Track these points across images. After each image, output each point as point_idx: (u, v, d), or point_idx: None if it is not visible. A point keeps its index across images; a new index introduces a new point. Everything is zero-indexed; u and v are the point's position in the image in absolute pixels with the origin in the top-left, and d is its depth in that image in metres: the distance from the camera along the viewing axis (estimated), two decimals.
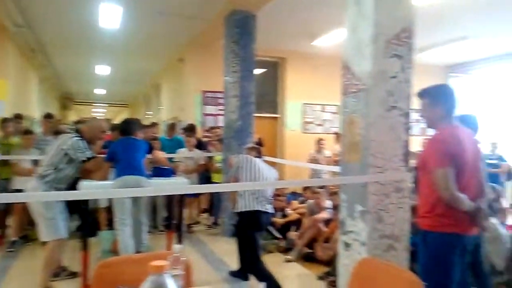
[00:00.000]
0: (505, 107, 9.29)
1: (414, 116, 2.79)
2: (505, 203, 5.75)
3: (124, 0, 5.85)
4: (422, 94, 2.42)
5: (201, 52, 8.20)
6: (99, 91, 16.33)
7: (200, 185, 4.94)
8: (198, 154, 6.05)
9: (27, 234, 5.22)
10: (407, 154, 2.73)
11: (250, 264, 3.63)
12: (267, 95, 9.04)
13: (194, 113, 8.38)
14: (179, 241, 4.14)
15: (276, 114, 9.21)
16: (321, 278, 4.05)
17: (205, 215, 6.77)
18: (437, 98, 2.37)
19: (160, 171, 5.20)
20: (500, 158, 7.14)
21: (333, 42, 7.64)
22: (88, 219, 3.96)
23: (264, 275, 3.46)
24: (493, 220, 3.78)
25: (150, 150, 4.46)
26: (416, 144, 6.44)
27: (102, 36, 7.72)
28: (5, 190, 5.01)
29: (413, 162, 2.82)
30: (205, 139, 6.99)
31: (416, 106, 2.60)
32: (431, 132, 2.52)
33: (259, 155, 3.96)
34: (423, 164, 2.32)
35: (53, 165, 3.47)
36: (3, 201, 4.80)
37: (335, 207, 4.66)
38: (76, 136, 3.57)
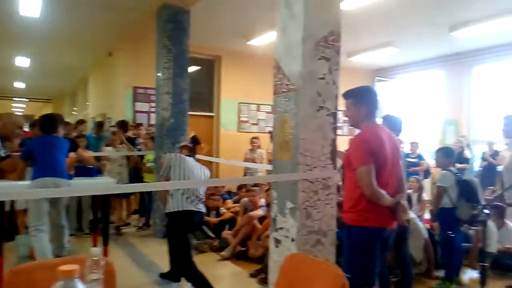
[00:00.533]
0: (425, 110, 10.12)
1: (342, 116, 2.92)
2: (426, 196, 6.27)
3: None
4: (347, 94, 2.54)
5: (132, 46, 7.87)
6: (19, 85, 14.99)
7: (128, 185, 4.73)
8: (125, 151, 5.82)
9: None
10: (334, 153, 2.84)
11: (182, 265, 3.55)
12: (202, 93, 8.95)
13: (123, 109, 8.02)
14: (105, 244, 3.94)
15: (212, 113, 9.15)
16: (253, 275, 4.09)
17: (136, 216, 6.52)
18: (361, 99, 2.49)
19: (84, 171, 4.91)
20: (420, 157, 7.75)
21: (267, 42, 7.76)
22: (3, 223, 3.62)
23: (195, 277, 3.41)
24: (412, 214, 4.08)
25: (75, 148, 4.18)
26: (344, 144, 6.74)
27: (22, 25, 7.08)
28: None
29: (340, 161, 2.95)
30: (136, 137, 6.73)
31: (343, 107, 2.72)
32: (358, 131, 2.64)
33: (191, 154, 3.89)
34: (347, 162, 2.43)
35: None
36: None
37: (268, 205, 4.73)
38: None
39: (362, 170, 2.30)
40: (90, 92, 12.16)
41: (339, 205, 2.92)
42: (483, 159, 7.46)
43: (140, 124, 7.23)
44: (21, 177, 3.62)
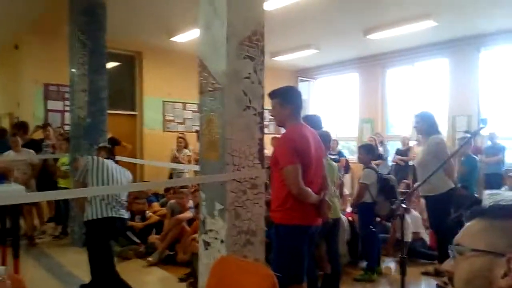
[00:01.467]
0: (343, 109, 10.70)
1: (268, 115, 2.94)
2: (346, 192, 6.62)
3: None
4: (273, 94, 2.56)
5: (42, 39, 7.19)
6: None
7: (40, 193, 4.32)
8: (29, 155, 5.31)
9: None
10: (262, 152, 2.85)
11: (104, 275, 3.32)
12: (123, 91, 8.51)
13: (33, 108, 7.32)
14: (16, 256, 3.56)
15: (134, 112, 8.74)
16: (182, 280, 3.98)
17: (51, 224, 6.00)
18: (286, 98, 2.53)
19: None
20: (340, 154, 8.16)
21: (192, 39, 7.61)
22: None
23: (118, 286, 3.21)
24: None
25: None
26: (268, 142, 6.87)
27: None
28: None
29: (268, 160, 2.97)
30: (48, 139, 6.18)
31: (269, 106, 2.73)
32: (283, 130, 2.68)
33: (110, 156, 3.66)
34: (274, 161, 2.45)
35: None
36: None
37: (197, 206, 4.64)
38: None
39: (289, 169, 2.33)
40: None
41: (267, 203, 2.95)
42: (398, 154, 8.07)
43: (47, 125, 6.62)
44: None
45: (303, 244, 2.43)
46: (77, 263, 4.32)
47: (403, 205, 2.17)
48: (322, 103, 11.25)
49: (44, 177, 5.50)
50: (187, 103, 9.25)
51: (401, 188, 4.87)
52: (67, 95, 6.62)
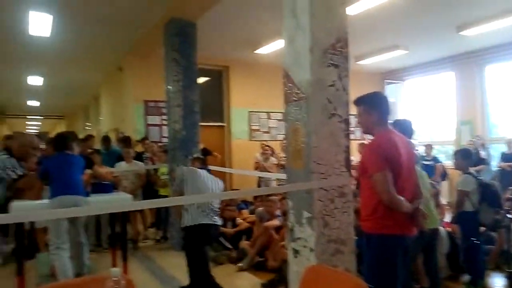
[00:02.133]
0: (436, 111, 10.00)
1: (354, 122, 2.90)
2: (443, 201, 6.17)
3: (53, 8, 5.53)
4: (358, 101, 2.53)
5: (141, 61, 7.97)
6: (33, 103, 15.29)
7: (144, 201, 4.76)
8: (138, 166, 5.86)
9: None
10: (348, 160, 2.82)
11: (200, 278, 3.54)
12: (212, 103, 8.99)
13: (135, 123, 8.11)
14: (125, 259, 3.96)
15: (222, 123, 9.18)
16: (265, 286, 4.04)
17: (152, 229, 6.55)
18: (372, 105, 2.47)
19: (100, 187, 4.95)
20: (435, 159, 7.63)
21: (274, 51, 7.79)
22: (24, 241, 3.67)
23: None
24: None
25: (90, 165, 4.23)
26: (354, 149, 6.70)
27: (33, 45, 7.24)
28: None
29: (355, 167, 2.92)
30: (147, 152, 6.77)
31: (355, 112, 2.70)
32: (370, 137, 2.62)
33: (204, 166, 3.90)
34: (363, 169, 2.41)
35: None
36: None
37: (284, 214, 4.71)
38: (4, 154, 3.30)
39: (378, 176, 2.27)
40: (102, 107, 12.33)
41: (356, 212, 2.89)
42: (503, 158, 7.28)
43: (145, 138, 7.29)
44: (38, 196, 3.67)
45: (396, 255, 2.34)
46: (176, 266, 4.65)
47: (509, 215, 1.98)
48: (413, 106, 10.63)
49: (147, 186, 6.03)
50: (271, 112, 9.45)
51: (507, 195, 4.38)
52: (163, 110, 7.22)
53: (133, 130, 7.96)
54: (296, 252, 2.85)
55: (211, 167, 6.44)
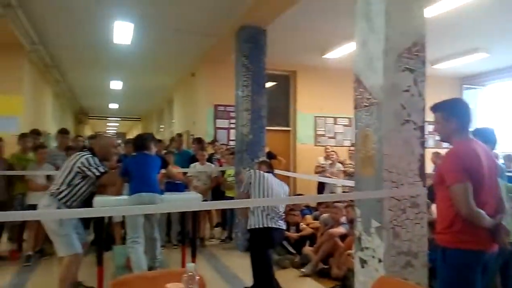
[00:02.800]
0: None
1: (429, 129, 2.77)
2: None
3: (135, 17, 5.96)
4: (436, 108, 2.39)
5: (213, 67, 8.29)
6: (114, 106, 16.58)
7: (212, 202, 4.93)
8: (211, 168, 6.08)
9: (43, 248, 5.27)
10: (423, 169, 2.69)
11: (264, 280, 3.59)
12: (278, 108, 9.07)
13: (206, 126, 8.43)
14: (193, 256, 4.13)
15: (288, 127, 9.21)
16: None
17: (218, 229, 6.75)
18: (451, 112, 2.33)
19: (172, 186, 5.21)
20: None
21: (344, 55, 7.66)
22: (102, 234, 3.98)
23: None
24: None
25: (165, 165, 4.47)
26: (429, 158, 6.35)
27: (116, 52, 7.87)
28: (21, 205, 5.09)
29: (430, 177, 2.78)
30: (216, 154, 7.00)
31: (430, 119, 2.57)
32: (446, 145, 2.48)
33: (270, 170, 3.94)
34: (439, 179, 2.27)
35: (66, 183, 3.50)
36: (19, 219, 4.87)
37: (351, 221, 4.60)
38: (88, 154, 3.60)
39: (457, 188, 2.14)
40: (175, 110, 12.99)
41: (430, 224, 2.75)
42: None
43: (215, 141, 7.55)
44: (119, 192, 3.94)
45: (474, 272, 2.17)
46: (241, 266, 4.75)
47: None
48: (493, 113, 9.81)
49: (214, 187, 6.23)
50: (338, 117, 9.30)
51: None
52: (232, 114, 7.43)
53: (203, 132, 8.28)
54: (363, 262, 2.78)
55: (276, 171, 6.51)
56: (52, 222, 3.44)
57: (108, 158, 3.84)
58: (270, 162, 4.29)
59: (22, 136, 5.48)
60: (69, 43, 7.54)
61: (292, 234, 5.38)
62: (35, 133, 6.01)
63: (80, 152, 3.68)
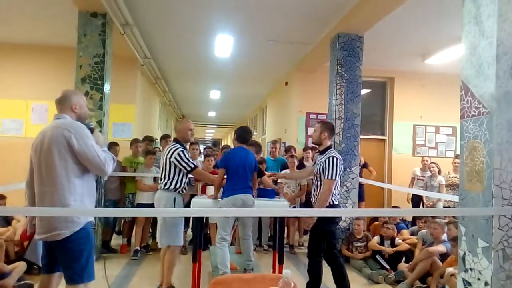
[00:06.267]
0: None
1: None
2: None
3: (235, 30, 6.30)
4: None
5: (306, 75, 8.35)
6: (212, 114, 17.64)
7: (297, 209, 4.95)
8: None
9: (148, 244, 5.81)
10: None
11: None
12: (373, 116, 8.76)
13: (296, 134, 8.50)
14: (280, 262, 4.18)
15: (383, 136, 8.83)
16: None
17: (306, 237, 6.73)
18: None
19: (264, 192, 5.35)
20: None
21: (446, 60, 7.14)
22: (200, 233, 4.24)
23: None
24: None
25: (260, 173, 4.59)
26: None
27: (216, 64, 8.39)
28: (131, 203, 5.68)
29: None
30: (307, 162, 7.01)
31: None
32: None
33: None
34: None
35: (167, 176, 3.91)
36: (133, 215, 5.46)
37: (453, 239, 4.25)
38: (178, 147, 3.92)
39: None
40: (267, 118, 13.32)
41: None
42: None
43: (306, 148, 7.52)
44: (219, 185, 4.10)
45: None
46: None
47: None
48: None
49: (307, 195, 6.23)
50: (440, 126, 8.65)
51: None
52: None
53: (294, 140, 8.36)
54: (467, 284, 2.56)
55: (364, 181, 6.30)
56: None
57: (187, 139, 4.14)
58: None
59: (134, 141, 6.11)
60: (175, 57, 8.26)
61: (387, 249, 5.14)
62: (148, 139, 6.63)
63: (172, 145, 4.00)
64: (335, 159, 3.67)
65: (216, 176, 4.20)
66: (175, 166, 3.90)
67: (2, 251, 4.09)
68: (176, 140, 4.07)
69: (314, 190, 3.86)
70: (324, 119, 4.15)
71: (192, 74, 9.83)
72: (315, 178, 3.85)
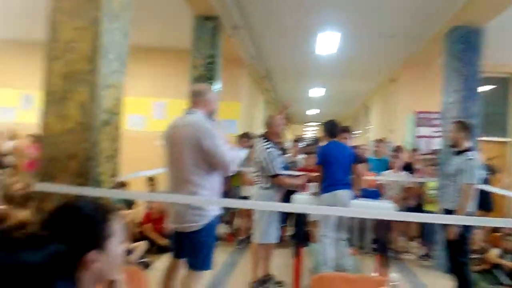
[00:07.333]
0: None
1: None
2: None
3: (342, 26, 6.20)
4: None
5: (416, 72, 7.84)
6: (311, 112, 17.60)
7: (408, 213, 4.65)
8: (403, 177, 5.76)
9: (249, 235, 6.07)
10: None
11: None
12: (494, 115, 7.85)
13: (404, 134, 8.03)
14: (386, 266, 4.03)
15: (507, 138, 7.86)
16: None
17: (415, 243, 6.33)
18: None
19: (367, 192, 5.18)
20: None
21: None
22: (301, 229, 4.29)
23: None
24: None
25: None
26: None
27: (318, 62, 8.36)
28: (235, 195, 5.98)
29: None
30: (417, 163, 6.58)
31: None
32: None
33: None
34: None
35: (260, 174, 3.93)
36: (233, 206, 5.75)
37: None
38: (269, 145, 3.88)
39: None
40: (371, 116, 12.83)
41: None
42: None
43: (415, 149, 7.04)
44: (318, 182, 4.08)
45: None
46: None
47: None
48: None
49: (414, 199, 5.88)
50: None
51: None
52: (435, 122, 6.86)
53: (401, 140, 7.91)
54: None
55: (492, 189, 5.67)
56: (259, 211, 3.92)
57: (278, 135, 4.05)
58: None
59: (240, 137, 6.41)
60: (279, 56, 8.44)
61: (508, 263, 4.60)
62: (246, 136, 6.90)
63: (262, 143, 3.94)
64: (474, 161, 3.43)
65: (298, 178, 4.17)
66: (259, 163, 3.89)
67: (127, 230, 4.68)
68: (265, 137, 3.98)
69: (448, 194, 3.65)
70: (460, 119, 3.82)
71: (294, 72, 9.94)
72: (450, 181, 3.64)
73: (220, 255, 5.21)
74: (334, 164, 3.99)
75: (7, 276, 0.46)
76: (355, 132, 17.30)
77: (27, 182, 5.97)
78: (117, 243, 1.04)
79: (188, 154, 2.58)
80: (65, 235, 0.86)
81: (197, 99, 2.74)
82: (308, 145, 8.05)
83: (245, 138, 6.55)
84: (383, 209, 4.24)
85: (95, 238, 0.98)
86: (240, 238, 5.76)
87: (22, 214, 3.97)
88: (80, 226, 0.97)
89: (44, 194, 2.26)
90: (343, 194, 3.92)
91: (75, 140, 2.26)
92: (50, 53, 2.33)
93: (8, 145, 7.90)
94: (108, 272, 1.02)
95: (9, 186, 5.38)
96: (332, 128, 4.26)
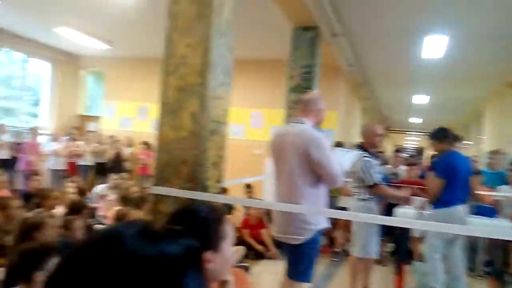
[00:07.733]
0: None
1: None
2: None
3: (450, 29, 5.75)
4: None
5: None
6: (414, 120, 16.53)
7: None
8: None
9: (346, 249, 5.88)
10: None
11: None
12: None
13: None
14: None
15: None
16: None
17: None
18: None
19: (481, 209, 4.69)
20: None
21: None
22: (405, 245, 4.04)
23: None
24: None
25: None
26: None
27: (423, 67, 7.85)
28: (332, 206, 5.87)
29: None
30: None
31: None
32: None
33: None
34: None
35: (357, 185, 3.73)
36: (330, 216, 5.64)
37: None
38: (366, 156, 3.65)
39: None
40: (485, 125, 11.61)
41: None
42: None
43: None
44: (435, 196, 3.68)
45: None
46: None
47: None
48: None
49: None
50: None
51: None
52: None
53: None
54: None
55: None
56: (355, 223, 3.77)
57: (375, 145, 3.80)
58: None
59: (338, 145, 6.30)
60: (379, 62, 8.13)
61: None
62: (340, 145, 6.71)
63: (361, 153, 3.73)
64: None
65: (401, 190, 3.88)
66: (356, 173, 3.69)
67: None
68: (362, 147, 3.79)
69: None
70: None
71: (395, 79, 9.47)
72: None
73: (316, 267, 5.15)
74: (458, 178, 3.62)
75: (147, 266, 0.49)
76: (466, 142, 15.80)
77: (141, 185, 6.66)
78: (229, 244, 1.10)
79: (295, 163, 2.54)
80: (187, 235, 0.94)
81: (307, 108, 2.69)
82: (411, 156, 7.58)
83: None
84: (500, 228, 3.81)
85: (211, 239, 1.06)
86: (336, 250, 5.62)
87: (138, 215, 4.42)
88: (198, 227, 1.05)
89: (158, 196, 2.49)
90: (461, 210, 3.57)
91: (186, 147, 2.45)
92: (166, 68, 2.58)
93: (127, 151, 8.88)
94: (221, 272, 1.08)
95: (127, 188, 6.04)
96: (449, 136, 3.90)
